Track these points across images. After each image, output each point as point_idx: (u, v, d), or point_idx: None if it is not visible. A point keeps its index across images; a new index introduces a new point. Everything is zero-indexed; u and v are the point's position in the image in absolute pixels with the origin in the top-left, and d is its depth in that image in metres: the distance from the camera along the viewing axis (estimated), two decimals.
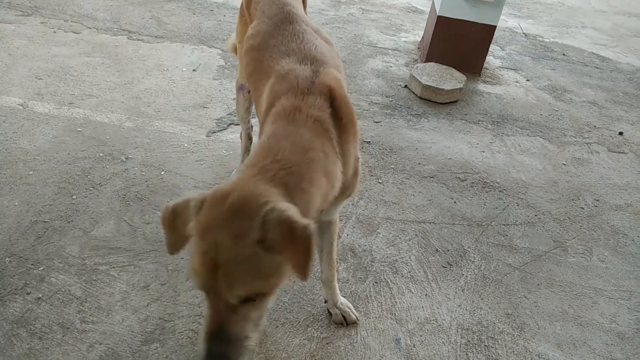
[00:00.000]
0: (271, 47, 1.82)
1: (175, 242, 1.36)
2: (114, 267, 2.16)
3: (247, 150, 2.69)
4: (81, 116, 3.02)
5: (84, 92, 3.24)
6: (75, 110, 3.07)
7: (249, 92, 2.46)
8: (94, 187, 2.54)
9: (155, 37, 4.03)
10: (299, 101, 1.51)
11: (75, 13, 4.19)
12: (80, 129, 2.92)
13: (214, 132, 3.08)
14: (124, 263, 2.18)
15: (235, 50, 2.57)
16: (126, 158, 2.75)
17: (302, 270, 1.17)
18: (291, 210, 1.21)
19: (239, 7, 2.47)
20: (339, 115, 1.54)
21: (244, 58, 2.03)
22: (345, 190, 1.61)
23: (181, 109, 3.24)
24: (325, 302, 2.10)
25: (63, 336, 1.88)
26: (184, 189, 2.61)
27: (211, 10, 4.64)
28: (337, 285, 2.06)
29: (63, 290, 2.04)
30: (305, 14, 2.39)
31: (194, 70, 3.67)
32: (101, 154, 2.76)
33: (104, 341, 1.88)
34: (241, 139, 2.71)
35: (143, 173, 2.67)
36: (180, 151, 2.88)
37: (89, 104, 3.14)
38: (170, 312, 2.01)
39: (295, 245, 1.17)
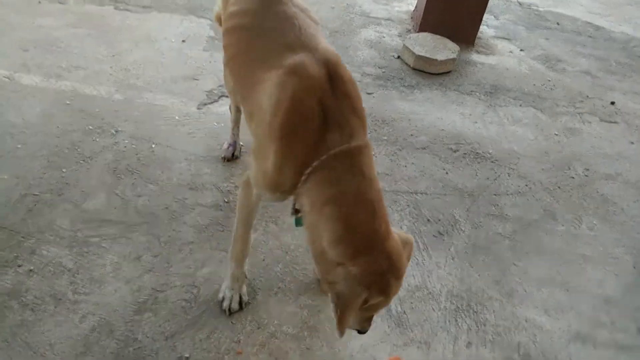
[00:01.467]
0: (266, 32, 1.76)
1: None
2: (105, 239, 2.16)
3: (236, 123, 2.66)
4: (69, 89, 2.98)
5: (72, 64, 3.19)
6: (62, 82, 3.02)
7: None
8: (84, 161, 2.52)
9: (143, 7, 3.95)
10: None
11: None
12: (68, 101, 2.88)
13: (205, 104, 3.05)
14: (116, 235, 2.19)
15: (220, 20, 2.52)
16: (116, 131, 2.73)
17: None
18: None
19: None
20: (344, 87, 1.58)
21: (226, 35, 1.95)
22: None
23: (171, 81, 3.20)
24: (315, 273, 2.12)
25: (55, 307, 1.89)
26: (175, 162, 2.60)
27: None
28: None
29: (54, 262, 2.04)
30: None
31: (183, 41, 3.61)
32: (90, 127, 2.73)
33: (97, 312, 1.90)
34: (230, 112, 2.69)
35: (134, 146, 2.65)
36: (170, 124, 2.85)
37: (77, 77, 3.09)
38: (162, 283, 2.02)
39: None
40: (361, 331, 1.67)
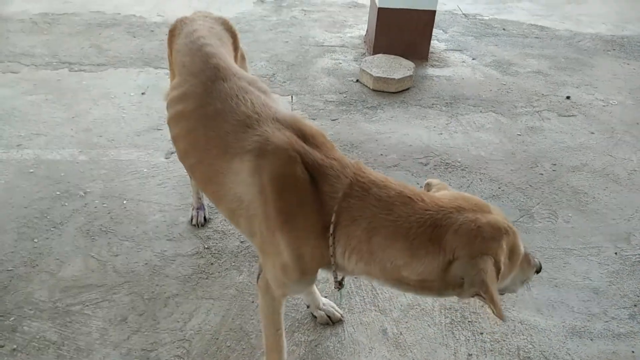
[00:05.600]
0: (216, 116, 1.58)
1: None
2: (87, 306, 2.10)
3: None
4: (32, 157, 2.92)
5: (31, 131, 3.14)
6: (24, 151, 2.97)
7: None
8: (55, 227, 2.46)
9: (98, 65, 3.94)
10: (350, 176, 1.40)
11: (10, 53, 4.06)
12: (32, 170, 2.82)
13: (172, 152, 3.03)
14: (98, 299, 2.12)
15: None
16: (84, 193, 2.68)
17: None
18: None
19: None
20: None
21: (172, 125, 1.76)
22: None
23: (135, 135, 3.17)
24: (308, 307, 2.09)
25: None
26: (149, 215, 2.56)
27: (152, 31, 4.57)
28: (316, 289, 2.06)
29: (38, 337, 1.96)
30: (246, 66, 2.21)
31: (142, 93, 3.61)
32: (58, 192, 2.68)
33: None
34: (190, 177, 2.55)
35: (104, 205, 2.61)
36: (139, 177, 2.82)
37: (38, 143, 3.04)
38: (152, 342, 1.96)
39: None
40: (538, 270, 1.49)
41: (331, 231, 1.37)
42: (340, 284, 1.53)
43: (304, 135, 1.47)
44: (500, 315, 1.22)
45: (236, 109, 1.57)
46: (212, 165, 1.57)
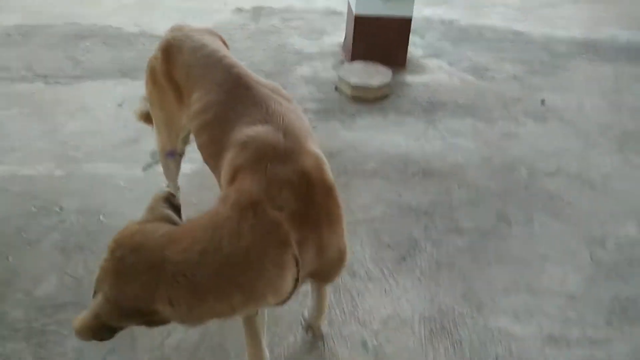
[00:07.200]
0: (231, 119, 1.62)
1: None
2: (63, 325, 2.06)
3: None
4: (6, 173, 2.88)
5: (6, 147, 3.09)
6: None
7: (180, 156, 2.34)
8: (30, 245, 2.43)
9: (74, 77, 3.90)
10: (260, 192, 1.32)
11: None
12: (7, 186, 2.78)
13: (150, 165, 3.01)
14: (73, 318, 2.09)
15: (145, 117, 2.42)
16: (60, 208, 2.65)
17: None
18: None
19: (156, 35, 2.38)
20: (315, 209, 1.37)
21: (198, 138, 1.79)
22: (320, 278, 1.53)
23: (112, 148, 3.14)
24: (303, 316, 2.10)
25: None
26: None
27: (129, 41, 4.53)
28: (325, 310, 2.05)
29: (12, 358, 1.93)
30: None
31: (119, 105, 3.57)
32: (34, 209, 2.64)
33: None
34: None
35: (80, 221, 2.57)
36: (117, 191, 2.79)
37: (13, 159, 2.99)
38: None
39: None
40: None
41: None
42: None
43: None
44: None
45: (254, 114, 1.59)
46: (222, 161, 1.60)
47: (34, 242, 2.44)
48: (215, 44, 1.98)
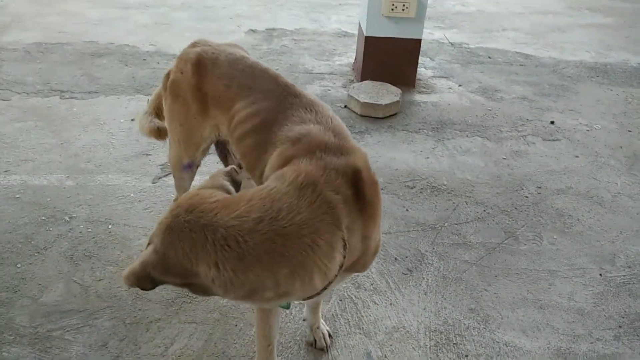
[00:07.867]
0: (281, 121, 1.68)
1: None
2: (68, 331, 2.07)
3: None
4: (18, 182, 2.93)
5: (19, 157, 3.15)
6: (11, 177, 2.97)
7: (197, 167, 2.34)
8: (38, 253, 2.45)
9: (89, 92, 3.99)
10: (318, 174, 1.38)
11: (2, 81, 4.10)
12: (18, 195, 2.82)
13: (160, 177, 3.05)
14: (79, 325, 2.10)
15: (156, 133, 2.43)
16: (70, 217, 2.68)
17: None
18: None
19: (171, 54, 2.42)
20: (363, 201, 1.42)
21: (239, 146, 1.84)
22: (357, 267, 1.55)
23: (123, 160, 3.19)
24: (304, 320, 2.09)
25: None
26: (134, 240, 2.55)
27: (144, 60, 4.64)
28: (320, 309, 2.05)
29: None
30: None
31: (132, 120, 3.64)
32: (43, 217, 2.67)
33: None
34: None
35: (89, 230, 2.60)
36: (126, 202, 2.82)
37: (26, 169, 3.05)
38: None
39: None
40: None
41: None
42: None
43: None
44: None
45: (304, 115, 1.67)
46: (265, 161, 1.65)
47: (42, 250, 2.47)
48: (252, 57, 2.03)
